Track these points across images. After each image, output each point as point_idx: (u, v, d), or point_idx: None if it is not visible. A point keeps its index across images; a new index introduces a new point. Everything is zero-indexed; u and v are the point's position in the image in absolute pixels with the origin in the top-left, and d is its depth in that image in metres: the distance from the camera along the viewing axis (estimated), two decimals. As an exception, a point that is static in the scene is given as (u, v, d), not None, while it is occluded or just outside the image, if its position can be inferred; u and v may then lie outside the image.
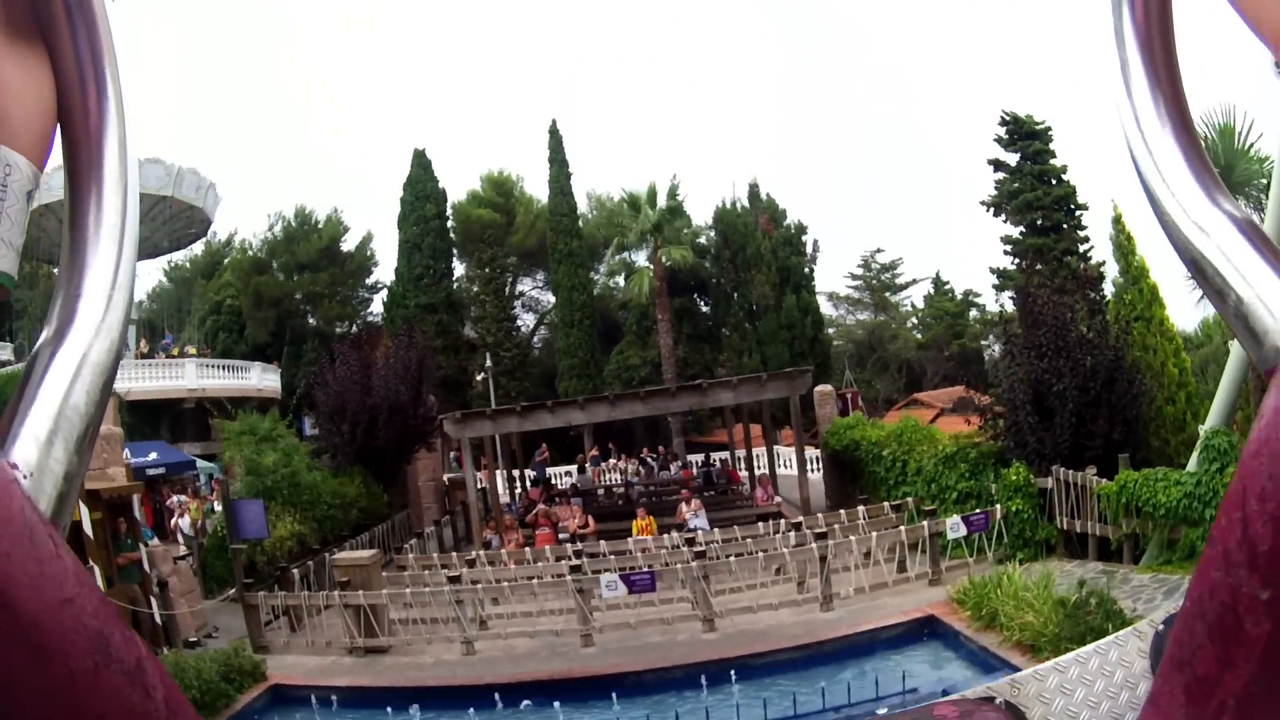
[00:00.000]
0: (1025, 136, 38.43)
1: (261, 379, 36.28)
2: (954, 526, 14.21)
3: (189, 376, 32.52)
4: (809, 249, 43.55)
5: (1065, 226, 37.45)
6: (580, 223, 43.23)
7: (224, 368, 34.95)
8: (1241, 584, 0.36)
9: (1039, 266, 17.14)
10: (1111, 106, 0.64)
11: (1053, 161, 38.33)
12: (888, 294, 54.88)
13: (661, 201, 39.96)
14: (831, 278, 66.38)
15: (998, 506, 14.87)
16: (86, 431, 0.50)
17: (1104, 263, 16.95)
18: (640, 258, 41.76)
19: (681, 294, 42.43)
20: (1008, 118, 38.80)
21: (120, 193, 0.61)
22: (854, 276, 54.97)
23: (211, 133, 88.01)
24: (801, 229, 42.96)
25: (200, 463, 27.88)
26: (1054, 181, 38.01)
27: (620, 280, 44.92)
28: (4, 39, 0.57)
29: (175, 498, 21.33)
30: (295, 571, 15.55)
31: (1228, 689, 0.38)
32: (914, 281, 55.18)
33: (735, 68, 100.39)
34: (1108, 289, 17.56)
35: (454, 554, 18.82)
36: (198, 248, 46.10)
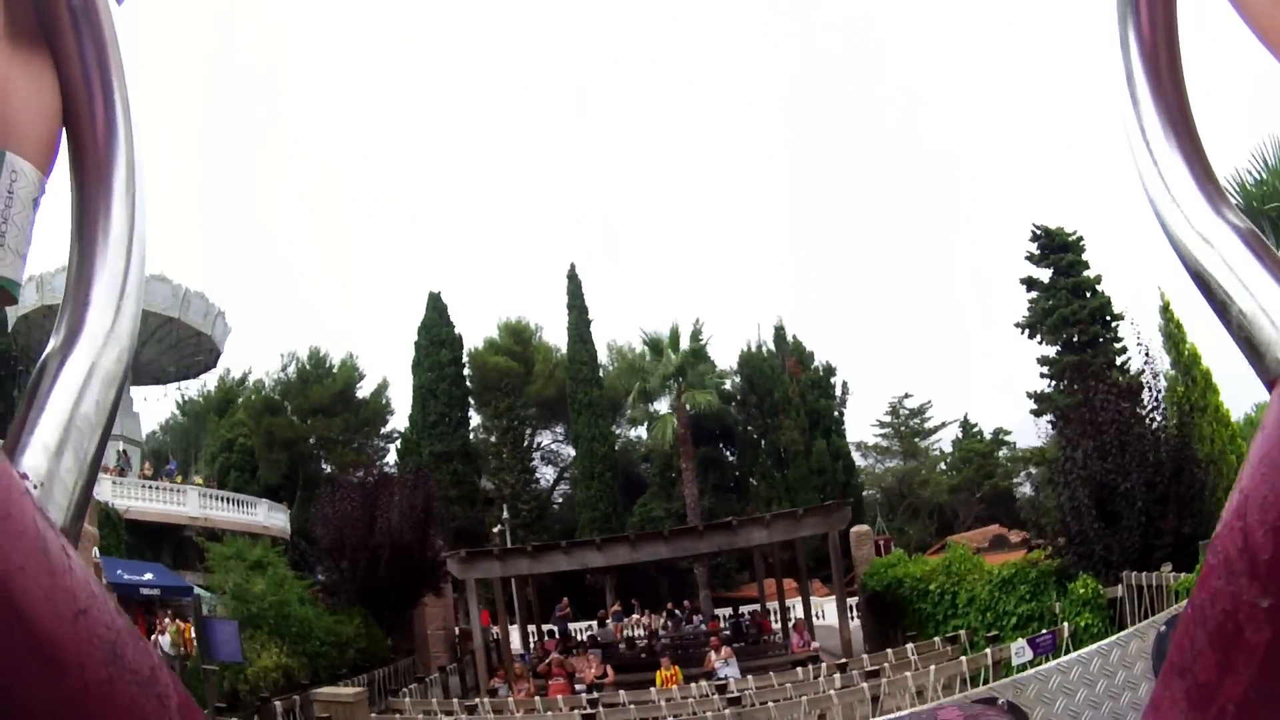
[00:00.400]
0: (1057, 249, 37.63)
1: (269, 516, 35.10)
2: (1019, 651, 12.86)
3: (191, 503, 31.54)
4: (838, 391, 42.92)
5: (1102, 340, 36.31)
6: (600, 373, 42.78)
7: (229, 500, 33.92)
8: (1242, 592, 0.36)
9: (1076, 386, 16.57)
10: (1117, 118, 0.63)
11: (1086, 273, 37.47)
12: (917, 439, 54.34)
13: (685, 344, 39.34)
14: (859, 426, 65.63)
15: (1065, 624, 13.75)
16: (97, 441, 0.49)
17: (1143, 371, 16.42)
18: (663, 405, 40.96)
19: (706, 442, 41.44)
20: (1039, 232, 38.13)
21: (128, 201, 0.58)
22: (881, 424, 54.61)
23: (222, 263, 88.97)
24: (830, 370, 42.44)
25: (200, 591, 26.57)
26: (1089, 294, 37.09)
27: (642, 431, 44.11)
28: (8, 43, 0.55)
29: (165, 620, 20.20)
30: (278, 704, 14.27)
31: (1228, 695, 0.38)
32: (943, 425, 54.82)
33: (757, 205, 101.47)
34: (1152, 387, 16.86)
35: (455, 700, 17.09)
36: (210, 382, 45.89)
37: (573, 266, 42.84)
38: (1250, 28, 0.48)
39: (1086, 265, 37.57)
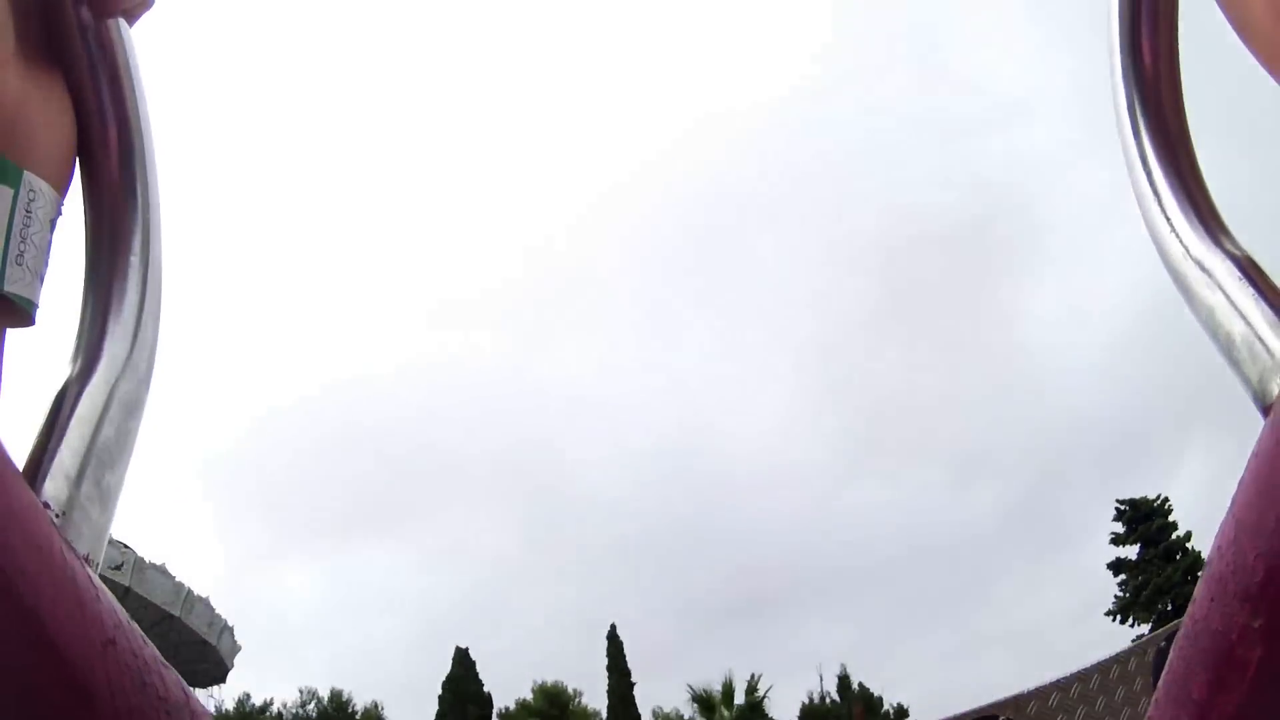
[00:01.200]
0: (1143, 519, 35.54)
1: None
2: None
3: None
4: (911, 729, 38.56)
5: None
6: (643, 740, 39.34)
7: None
8: (1235, 612, 0.37)
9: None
10: (1117, 146, 0.65)
11: (1175, 534, 35.02)
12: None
13: (739, 699, 36.25)
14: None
15: None
16: (119, 468, 0.50)
17: None
18: (717, 772, 36.81)
19: (769, 813, 36.49)
20: (1123, 507, 36.21)
21: (143, 229, 0.59)
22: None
23: (234, 578, 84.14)
24: (903, 712, 38.40)
25: None
26: (1180, 555, 34.39)
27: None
28: (23, 63, 0.56)
29: None
30: None
31: (1221, 711, 0.39)
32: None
33: (801, 537, 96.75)
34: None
35: None
36: (229, 700, 43.13)
37: (613, 627, 41.19)
38: (1231, 24, 0.49)
39: (1175, 526, 35.72)
